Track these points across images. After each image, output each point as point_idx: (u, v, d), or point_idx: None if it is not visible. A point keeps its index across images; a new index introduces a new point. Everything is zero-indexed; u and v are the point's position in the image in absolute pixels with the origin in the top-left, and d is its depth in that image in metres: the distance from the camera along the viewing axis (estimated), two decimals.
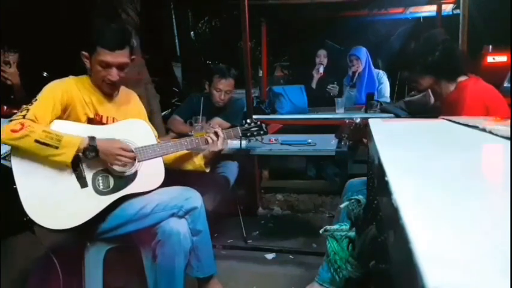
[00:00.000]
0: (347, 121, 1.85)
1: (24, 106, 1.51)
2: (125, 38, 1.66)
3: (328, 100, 3.30)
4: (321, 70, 3.64)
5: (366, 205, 1.18)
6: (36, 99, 1.54)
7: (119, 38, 1.63)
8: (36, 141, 1.42)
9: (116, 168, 1.58)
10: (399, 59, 1.74)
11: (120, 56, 1.61)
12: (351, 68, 3.61)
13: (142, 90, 2.93)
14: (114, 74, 1.62)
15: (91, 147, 1.49)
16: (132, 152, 1.60)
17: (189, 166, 1.88)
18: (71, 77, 1.69)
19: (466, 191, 0.42)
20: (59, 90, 1.58)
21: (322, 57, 3.72)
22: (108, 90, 1.71)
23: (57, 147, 1.43)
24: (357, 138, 1.80)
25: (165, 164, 1.76)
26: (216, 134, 1.83)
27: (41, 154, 1.44)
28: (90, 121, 1.65)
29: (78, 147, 1.47)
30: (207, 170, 1.88)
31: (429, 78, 1.69)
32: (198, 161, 1.86)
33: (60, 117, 1.58)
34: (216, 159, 2.03)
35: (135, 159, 1.61)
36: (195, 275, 1.72)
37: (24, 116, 1.46)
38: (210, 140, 1.81)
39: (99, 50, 1.59)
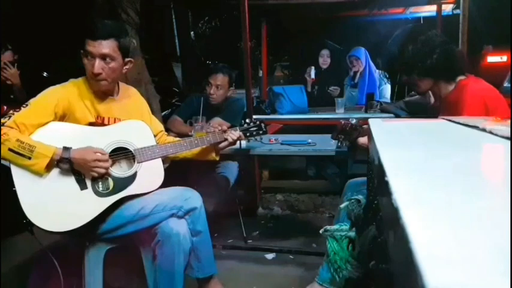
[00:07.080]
0: (342, 122, 1.83)
1: (11, 111, 1.49)
2: (110, 30, 1.60)
3: (328, 100, 3.30)
4: (313, 75, 3.57)
5: (366, 205, 1.18)
6: (26, 105, 1.51)
7: (102, 28, 1.59)
8: (10, 150, 1.40)
9: (114, 173, 1.58)
10: (397, 63, 1.71)
11: (102, 46, 1.56)
12: (351, 68, 3.60)
13: (142, 90, 2.93)
14: (96, 66, 1.56)
15: (64, 159, 1.47)
16: (107, 156, 1.54)
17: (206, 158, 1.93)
18: (71, 80, 1.66)
19: (466, 191, 0.42)
20: (55, 97, 1.55)
21: (325, 57, 3.70)
22: (96, 88, 1.63)
23: (29, 158, 1.41)
24: (353, 139, 1.78)
25: (184, 157, 1.84)
26: (229, 131, 1.86)
27: (17, 163, 1.43)
28: (92, 125, 1.62)
29: (51, 159, 1.44)
30: (217, 158, 1.93)
31: (428, 80, 1.69)
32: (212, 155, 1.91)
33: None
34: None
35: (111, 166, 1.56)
36: (196, 275, 1.72)
37: (4, 124, 1.44)
38: (230, 139, 1.84)
39: (86, 42, 1.57)
